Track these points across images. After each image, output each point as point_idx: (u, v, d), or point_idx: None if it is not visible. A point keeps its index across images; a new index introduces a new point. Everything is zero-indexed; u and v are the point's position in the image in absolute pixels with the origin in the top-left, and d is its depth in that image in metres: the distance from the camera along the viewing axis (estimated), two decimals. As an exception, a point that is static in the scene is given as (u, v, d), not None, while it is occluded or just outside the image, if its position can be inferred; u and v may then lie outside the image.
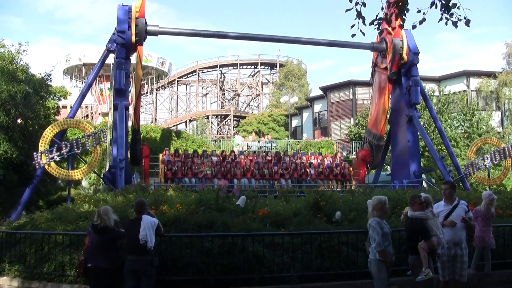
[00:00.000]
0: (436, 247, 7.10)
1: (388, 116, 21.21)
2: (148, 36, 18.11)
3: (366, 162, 21.02)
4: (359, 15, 6.68)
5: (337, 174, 20.75)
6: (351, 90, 37.75)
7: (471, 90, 35.52)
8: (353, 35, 6.96)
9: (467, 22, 6.52)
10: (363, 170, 20.90)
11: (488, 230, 8.80)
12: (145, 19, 17.62)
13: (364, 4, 6.67)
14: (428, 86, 31.43)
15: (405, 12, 6.66)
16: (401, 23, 6.81)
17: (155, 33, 18.38)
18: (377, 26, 6.84)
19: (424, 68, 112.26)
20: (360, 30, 6.85)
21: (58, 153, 15.34)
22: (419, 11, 6.66)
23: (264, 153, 22.92)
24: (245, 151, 29.46)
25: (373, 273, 6.71)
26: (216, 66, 63.31)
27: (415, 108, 19.49)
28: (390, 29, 18.19)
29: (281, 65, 59.24)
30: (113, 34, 17.17)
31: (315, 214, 10.26)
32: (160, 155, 19.81)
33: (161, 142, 26.95)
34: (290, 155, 21.95)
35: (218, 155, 21.13)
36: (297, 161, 20.75)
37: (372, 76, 21.91)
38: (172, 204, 10.84)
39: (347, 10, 6.76)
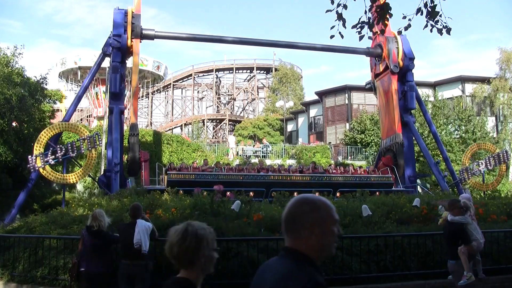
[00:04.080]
0: (476, 252, 7.03)
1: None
2: (144, 40, 18.13)
3: (392, 168, 19.74)
4: (340, 17, 6.66)
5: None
6: (346, 95, 37.81)
7: (466, 96, 35.68)
8: (332, 37, 6.92)
9: (448, 31, 6.58)
10: (391, 177, 19.41)
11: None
12: (141, 26, 17.60)
13: (345, 7, 6.65)
14: (423, 91, 31.51)
15: (388, 17, 6.67)
16: (383, 27, 6.84)
17: (151, 37, 18.39)
18: (358, 30, 6.83)
19: (419, 74, 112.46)
20: (339, 33, 6.84)
21: (53, 156, 15.32)
22: (404, 17, 6.66)
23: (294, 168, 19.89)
24: (240, 155, 29.48)
25: None
26: (212, 70, 63.31)
27: (410, 113, 19.56)
28: (379, 31, 18.01)
29: (276, 70, 59.32)
30: (109, 37, 17.22)
31: (310, 219, 10.24)
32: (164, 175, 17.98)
33: (156, 147, 26.88)
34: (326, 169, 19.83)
35: (234, 168, 18.60)
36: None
37: (375, 90, 21.52)
38: (167, 208, 10.80)
39: (327, 11, 6.74)
